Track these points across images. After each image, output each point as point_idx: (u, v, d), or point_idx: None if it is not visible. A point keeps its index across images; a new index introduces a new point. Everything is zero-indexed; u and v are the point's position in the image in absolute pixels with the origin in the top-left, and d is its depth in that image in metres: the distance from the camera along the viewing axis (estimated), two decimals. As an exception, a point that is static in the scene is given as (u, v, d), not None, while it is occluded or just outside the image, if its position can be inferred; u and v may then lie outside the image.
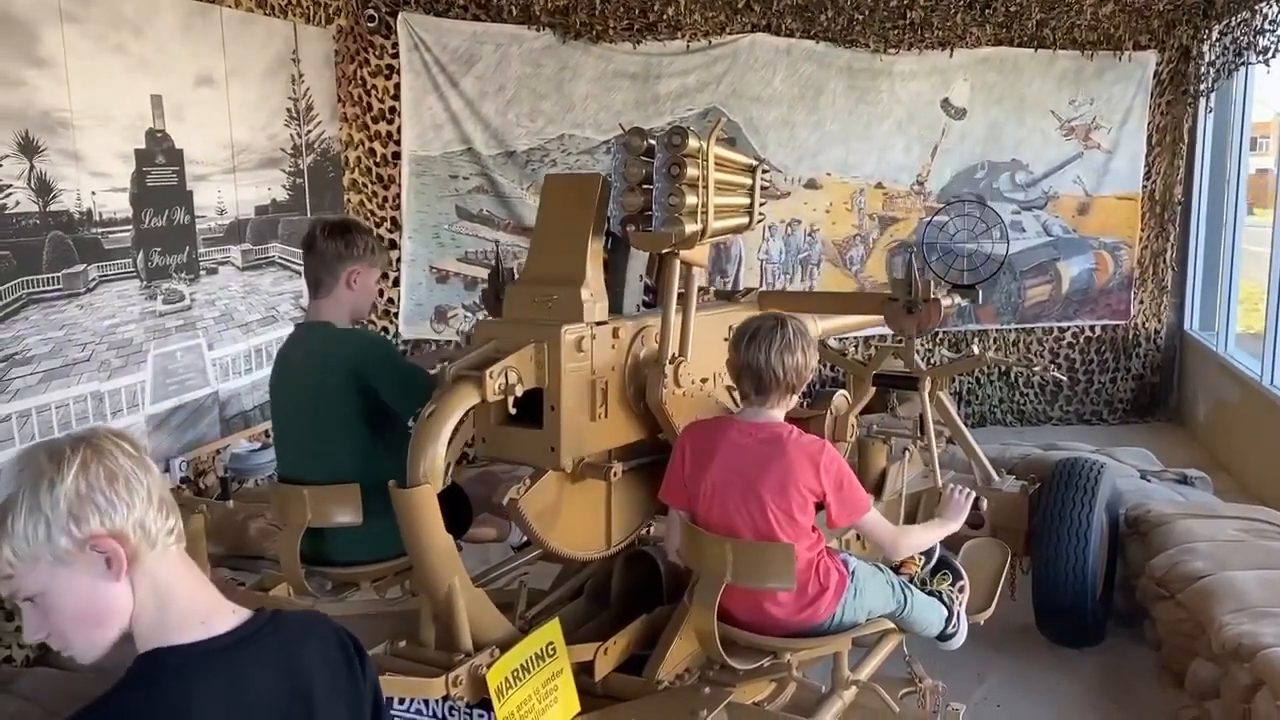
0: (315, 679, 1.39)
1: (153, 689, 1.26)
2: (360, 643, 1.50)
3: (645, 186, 2.69)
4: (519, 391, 2.53)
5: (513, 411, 2.57)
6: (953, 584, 3.06)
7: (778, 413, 2.73)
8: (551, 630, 2.53)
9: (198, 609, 1.34)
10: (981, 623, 3.23)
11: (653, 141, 2.70)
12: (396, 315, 6.73)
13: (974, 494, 3.12)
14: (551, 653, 2.50)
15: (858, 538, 3.41)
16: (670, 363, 2.87)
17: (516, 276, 4.04)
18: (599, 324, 2.75)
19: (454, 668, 2.41)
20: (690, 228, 2.67)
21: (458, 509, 3.27)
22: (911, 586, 2.96)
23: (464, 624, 2.51)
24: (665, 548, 3.00)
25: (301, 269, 3.33)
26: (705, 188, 2.69)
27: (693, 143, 2.64)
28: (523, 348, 2.57)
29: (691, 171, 2.65)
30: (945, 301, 3.59)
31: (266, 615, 1.39)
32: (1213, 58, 7.05)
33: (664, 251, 2.84)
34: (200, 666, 1.29)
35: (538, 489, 2.70)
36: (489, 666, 2.41)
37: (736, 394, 2.85)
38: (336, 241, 3.10)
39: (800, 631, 2.74)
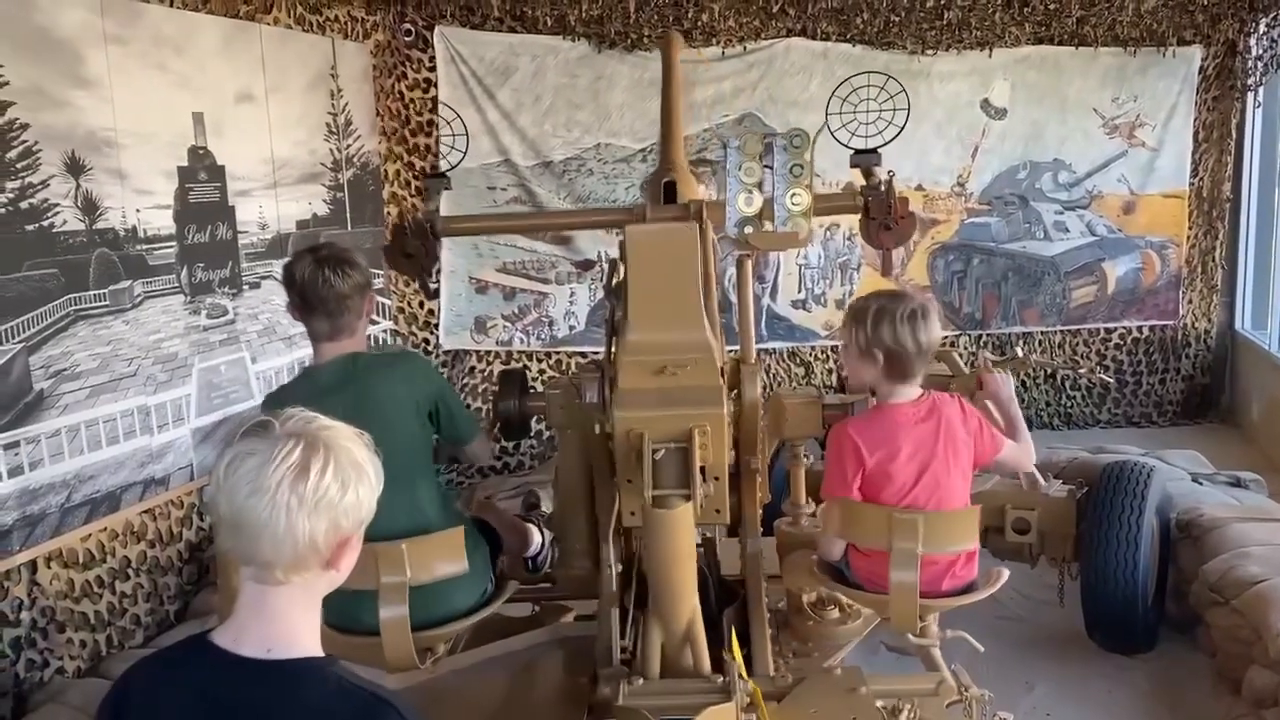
0: None
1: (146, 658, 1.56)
2: None
3: (759, 188, 2.81)
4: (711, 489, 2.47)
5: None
6: None
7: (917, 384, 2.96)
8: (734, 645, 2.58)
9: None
10: None
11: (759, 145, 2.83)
12: (437, 326, 6.78)
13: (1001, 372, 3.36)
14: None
15: None
16: (755, 361, 3.03)
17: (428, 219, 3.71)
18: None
19: (729, 692, 2.40)
20: (808, 225, 2.81)
21: (489, 541, 3.26)
22: None
23: (704, 647, 2.51)
24: (824, 549, 3.09)
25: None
26: (811, 188, 2.81)
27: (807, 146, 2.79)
28: (690, 439, 2.39)
29: (809, 173, 2.78)
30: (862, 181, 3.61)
31: (281, 665, 1.41)
32: (1260, 51, 6.91)
33: (762, 253, 2.97)
34: (164, 664, 1.50)
35: None
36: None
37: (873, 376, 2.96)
38: (355, 274, 2.75)
39: (953, 593, 2.95)
